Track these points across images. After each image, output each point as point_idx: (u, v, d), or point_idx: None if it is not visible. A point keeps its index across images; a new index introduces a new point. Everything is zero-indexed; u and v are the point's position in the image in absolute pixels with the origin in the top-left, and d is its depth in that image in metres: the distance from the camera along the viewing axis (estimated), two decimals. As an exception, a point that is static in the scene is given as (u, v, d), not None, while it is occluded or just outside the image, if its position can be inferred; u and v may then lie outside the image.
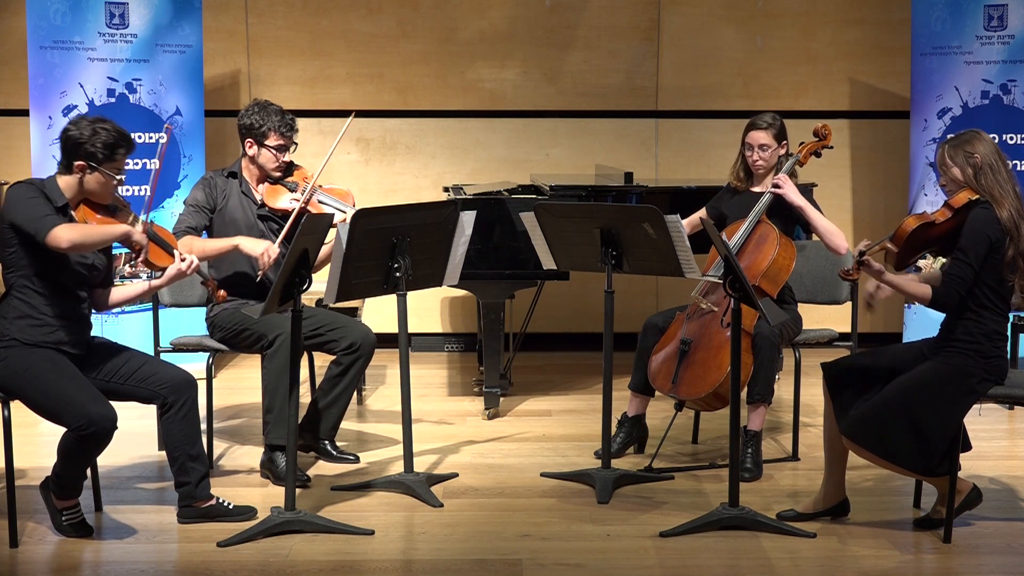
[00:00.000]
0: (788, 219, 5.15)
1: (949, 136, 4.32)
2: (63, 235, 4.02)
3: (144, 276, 4.35)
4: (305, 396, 5.43)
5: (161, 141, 4.36)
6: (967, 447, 4.39)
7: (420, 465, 5.00)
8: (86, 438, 4.06)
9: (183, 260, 4.30)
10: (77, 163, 4.18)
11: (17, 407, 4.18)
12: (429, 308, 7.64)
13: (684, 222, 5.18)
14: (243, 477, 4.98)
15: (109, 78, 6.53)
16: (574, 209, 5.22)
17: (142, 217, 4.32)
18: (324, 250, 4.83)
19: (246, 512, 4.42)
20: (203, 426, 4.60)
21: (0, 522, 4.27)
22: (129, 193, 6.51)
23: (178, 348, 5.22)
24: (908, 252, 4.22)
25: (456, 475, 4.98)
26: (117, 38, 6.53)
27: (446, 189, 6.96)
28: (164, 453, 4.49)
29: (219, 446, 5.37)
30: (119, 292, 4.42)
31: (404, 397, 4.75)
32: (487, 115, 7.62)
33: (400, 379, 4.76)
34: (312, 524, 4.31)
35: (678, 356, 4.98)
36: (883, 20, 7.59)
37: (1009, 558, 4.14)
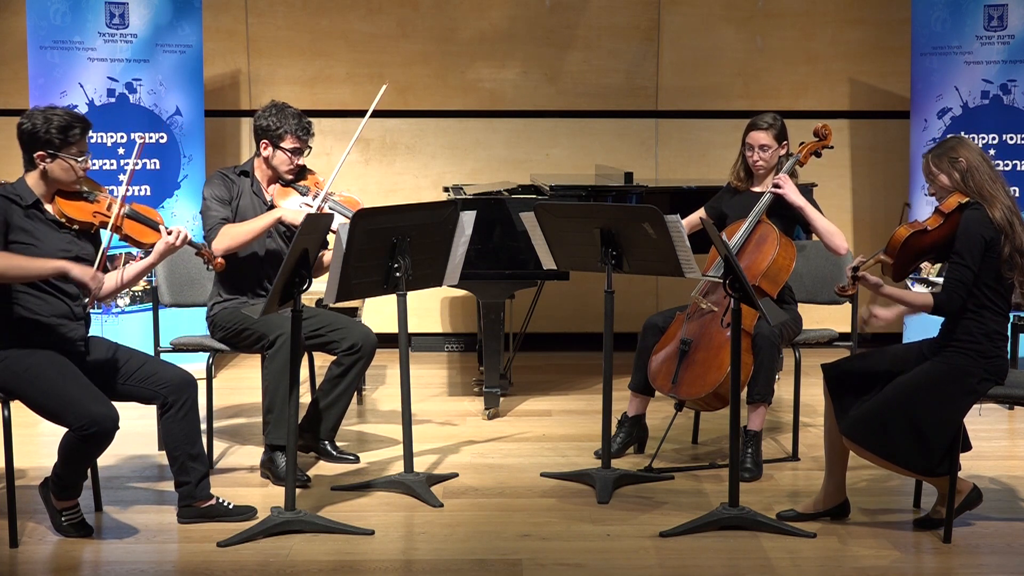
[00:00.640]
0: (788, 219, 5.15)
1: (932, 146, 4.32)
2: None
3: (121, 266, 4.30)
4: (305, 396, 5.44)
5: (136, 144, 4.34)
6: (967, 447, 4.39)
7: (420, 465, 5.00)
8: (88, 438, 4.05)
9: (170, 233, 4.28)
10: (37, 154, 4.16)
11: (17, 407, 4.18)
12: (429, 308, 7.64)
13: (683, 222, 5.18)
14: (243, 477, 4.98)
15: (109, 78, 6.53)
16: (574, 209, 5.22)
17: (119, 199, 4.27)
18: (324, 258, 4.86)
19: (246, 512, 4.42)
20: (203, 426, 4.60)
21: (0, 522, 4.27)
22: (129, 193, 6.50)
23: (178, 348, 5.22)
24: (904, 262, 4.22)
25: (456, 475, 4.98)
26: (117, 38, 6.53)
27: (446, 189, 6.96)
28: (164, 453, 4.49)
29: (219, 446, 5.37)
30: (110, 279, 4.33)
31: (404, 397, 4.75)
32: (487, 115, 7.62)
33: (400, 379, 4.76)
34: (312, 524, 4.31)
35: (678, 356, 4.98)
36: (883, 20, 7.59)
37: (1009, 558, 4.14)
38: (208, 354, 5.14)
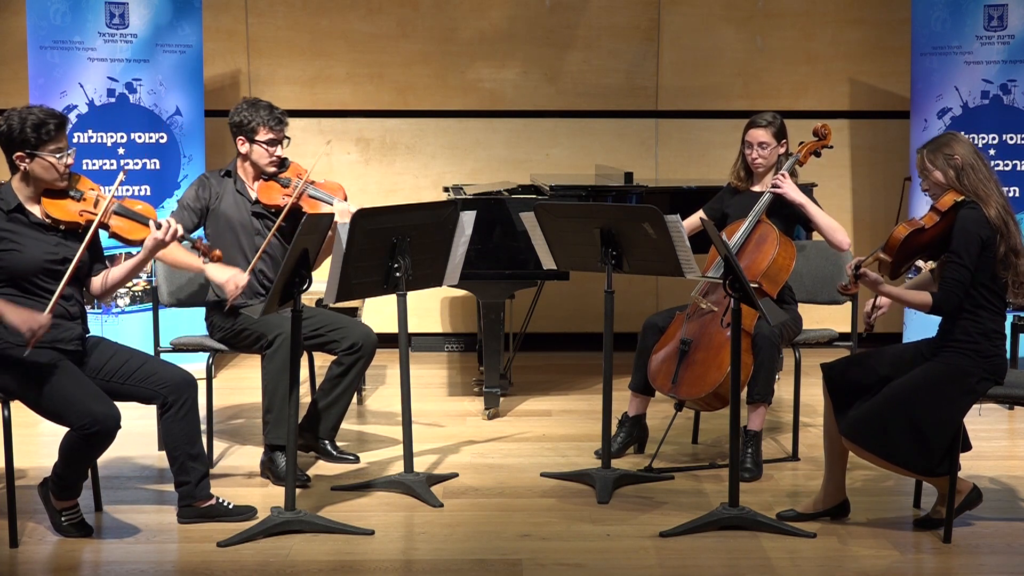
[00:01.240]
0: (788, 219, 5.15)
1: (926, 143, 4.32)
2: None
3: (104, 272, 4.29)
4: (305, 396, 5.44)
5: (119, 176, 4.32)
6: (967, 447, 4.39)
7: (420, 465, 5.00)
8: (90, 437, 4.05)
9: (159, 228, 4.25)
10: (15, 155, 4.14)
11: (17, 407, 4.18)
12: (429, 308, 7.64)
13: (683, 223, 5.18)
14: (243, 477, 4.98)
15: (109, 78, 6.53)
16: (574, 209, 5.22)
17: (108, 196, 4.25)
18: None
19: (246, 512, 4.42)
20: (203, 426, 4.60)
21: (0, 522, 4.27)
22: (129, 193, 6.52)
23: (178, 348, 5.22)
24: (901, 260, 4.23)
25: (456, 475, 4.98)
26: (117, 38, 6.52)
27: (446, 189, 6.96)
28: (164, 453, 4.49)
29: (219, 446, 5.36)
30: (104, 280, 4.32)
31: (404, 397, 4.75)
32: (487, 115, 7.62)
33: (400, 379, 4.76)
34: (312, 524, 4.31)
35: (678, 356, 4.98)
36: (883, 20, 7.59)
37: (1009, 558, 4.14)
38: (208, 354, 5.14)
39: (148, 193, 6.58)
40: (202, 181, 5.09)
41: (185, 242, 4.48)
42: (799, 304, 5.30)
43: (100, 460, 4.42)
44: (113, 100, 6.55)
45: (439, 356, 7.55)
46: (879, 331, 7.53)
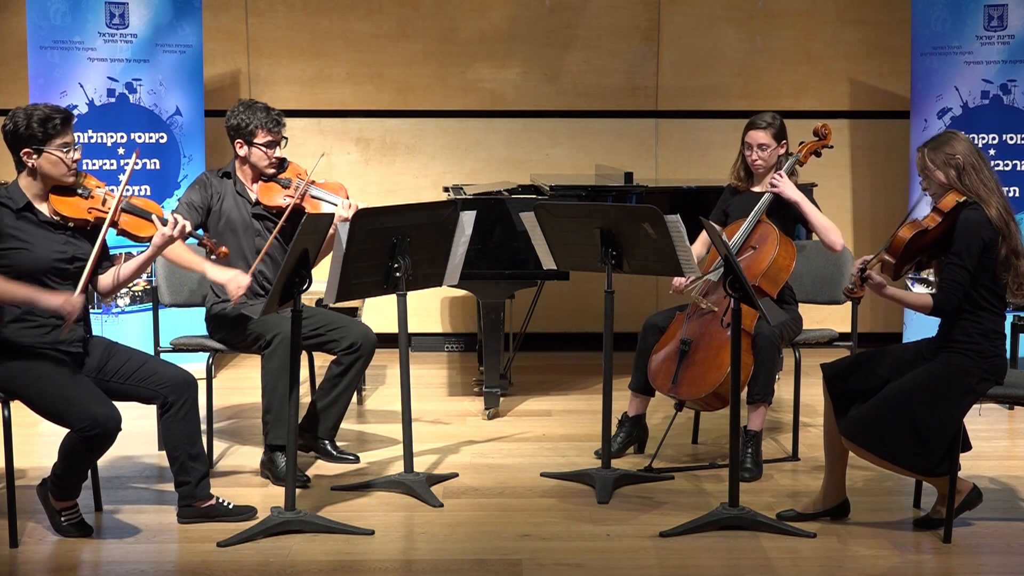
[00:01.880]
0: (788, 219, 5.15)
1: (926, 142, 4.32)
2: None
3: (116, 265, 4.29)
4: (305, 396, 5.44)
5: (136, 160, 4.31)
6: (967, 447, 4.39)
7: (420, 465, 5.00)
8: (90, 439, 4.05)
9: (165, 224, 4.25)
10: (23, 152, 4.15)
11: (17, 407, 4.18)
12: (429, 308, 7.64)
13: (697, 243, 5.19)
14: (243, 477, 4.98)
15: (109, 78, 6.53)
16: (574, 209, 5.22)
17: (116, 193, 4.25)
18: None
19: (246, 512, 4.42)
20: (203, 426, 4.60)
21: (0, 522, 4.27)
22: (129, 192, 6.50)
23: (178, 348, 5.22)
24: (904, 261, 4.23)
25: (456, 475, 4.98)
26: (117, 38, 6.53)
27: (446, 189, 6.96)
28: (164, 453, 4.49)
29: (219, 446, 5.37)
30: (111, 278, 4.32)
31: (404, 397, 4.75)
32: (487, 115, 7.62)
33: (400, 379, 4.76)
34: (312, 524, 4.31)
35: (678, 356, 4.98)
36: (883, 20, 7.59)
37: (1009, 558, 4.14)
38: (208, 354, 5.14)
39: (148, 193, 6.58)
40: (203, 181, 5.09)
41: (192, 239, 4.47)
42: (799, 304, 5.30)
43: (100, 460, 4.42)
44: (113, 100, 6.55)
45: (439, 356, 7.55)
46: (879, 331, 7.58)
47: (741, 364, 4.45)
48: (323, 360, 5.28)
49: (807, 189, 5.49)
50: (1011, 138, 6.67)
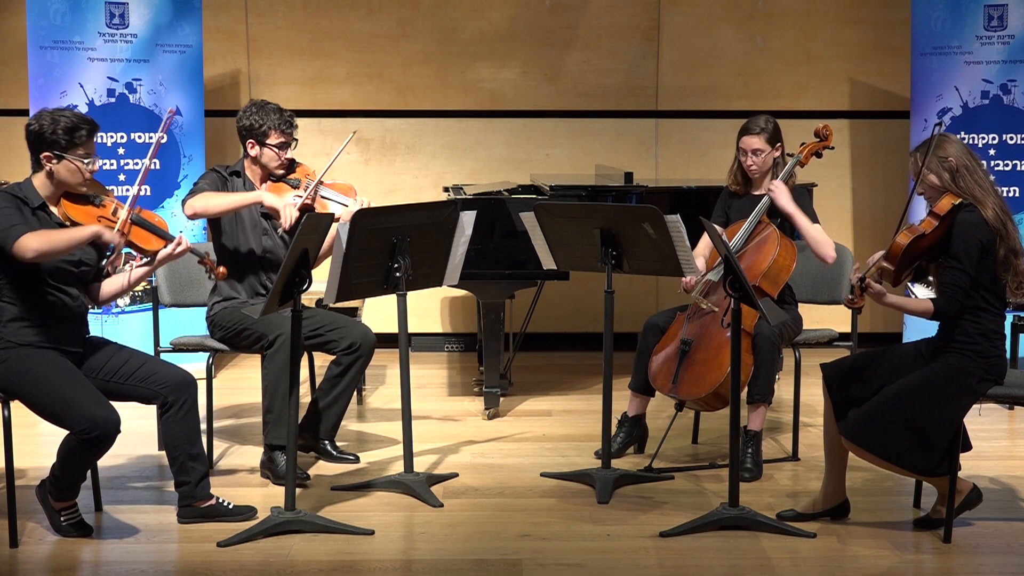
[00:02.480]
0: (788, 221, 5.14)
1: (918, 145, 4.31)
2: (28, 244, 3.99)
3: (129, 266, 4.30)
4: (305, 396, 5.43)
5: (165, 118, 4.38)
6: (967, 447, 4.39)
7: (420, 465, 5.00)
8: (89, 441, 4.05)
9: (172, 242, 4.28)
10: (43, 155, 4.16)
11: (17, 407, 4.18)
12: (429, 308, 7.64)
13: (700, 246, 5.18)
14: (243, 477, 4.98)
15: (109, 78, 6.53)
16: (574, 209, 5.22)
17: (126, 205, 4.27)
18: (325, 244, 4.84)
19: (246, 512, 4.42)
20: (203, 426, 4.60)
21: (0, 522, 4.27)
22: (129, 193, 6.51)
23: (178, 348, 5.22)
24: (903, 267, 4.22)
25: (456, 475, 4.98)
26: (117, 38, 6.53)
27: (446, 189, 6.96)
28: (164, 453, 4.49)
29: (219, 446, 5.37)
30: (113, 283, 4.35)
31: (404, 397, 4.75)
32: (487, 115, 7.62)
33: (400, 379, 4.76)
34: (312, 524, 4.31)
35: (678, 356, 4.98)
36: (883, 20, 7.59)
37: (1009, 558, 4.14)
38: (208, 354, 5.14)
39: (148, 193, 6.58)
40: (218, 172, 5.09)
41: (194, 256, 4.49)
42: (799, 304, 5.30)
43: (100, 460, 4.41)
44: (113, 100, 6.55)
45: (439, 356, 7.55)
46: (879, 331, 7.58)
47: (741, 364, 4.45)
48: (323, 360, 5.28)
49: (807, 189, 5.49)
50: (1011, 138, 6.67)
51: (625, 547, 4.21)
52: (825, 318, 6.55)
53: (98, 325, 6.41)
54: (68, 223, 4.20)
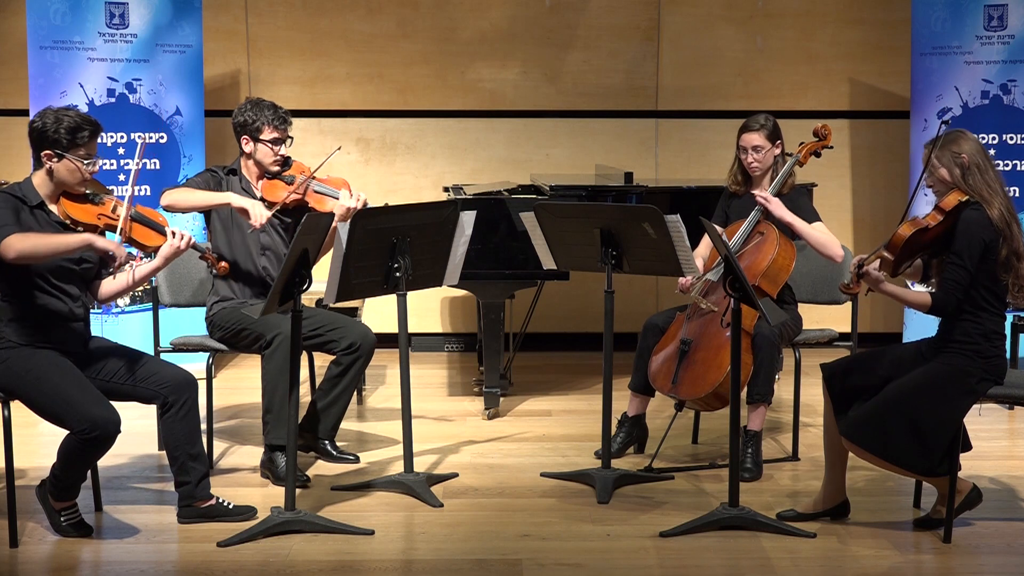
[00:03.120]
0: (787, 220, 5.14)
1: (933, 138, 4.31)
2: (12, 245, 3.97)
3: (130, 266, 4.30)
4: (305, 396, 5.44)
5: (139, 144, 4.39)
6: (967, 447, 4.39)
7: (420, 465, 5.00)
8: (89, 441, 4.05)
9: (174, 236, 4.29)
10: (44, 153, 4.16)
11: (17, 407, 4.18)
12: (429, 308, 7.64)
13: (702, 244, 5.18)
14: (243, 477, 4.98)
15: (109, 78, 6.53)
16: (574, 209, 5.21)
17: (125, 202, 4.27)
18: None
19: (246, 512, 4.42)
20: (203, 426, 4.60)
21: (0, 522, 4.27)
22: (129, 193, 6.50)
23: (178, 348, 5.22)
24: (903, 258, 4.22)
25: (456, 475, 4.98)
26: (117, 38, 6.53)
27: (446, 189, 6.96)
28: (164, 453, 4.49)
29: (219, 446, 5.37)
30: (116, 282, 4.34)
31: (404, 397, 4.75)
32: (487, 115, 7.62)
33: (400, 379, 4.76)
34: (312, 524, 4.31)
35: (678, 356, 4.98)
36: (883, 20, 7.59)
37: (1009, 558, 4.14)
38: (208, 354, 5.14)
39: (148, 193, 6.58)
40: (213, 172, 5.10)
41: (195, 251, 4.49)
42: (799, 304, 5.30)
43: (100, 460, 4.41)
44: (113, 100, 6.55)
45: (439, 356, 7.55)
46: (879, 331, 7.58)
47: (741, 364, 4.45)
48: (323, 360, 5.28)
49: (807, 189, 5.49)
50: (1011, 138, 6.67)
51: (625, 547, 4.21)
52: (825, 318, 6.55)
53: (98, 325, 6.41)
54: (68, 221, 4.20)
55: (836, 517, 4.43)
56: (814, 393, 5.42)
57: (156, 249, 4.31)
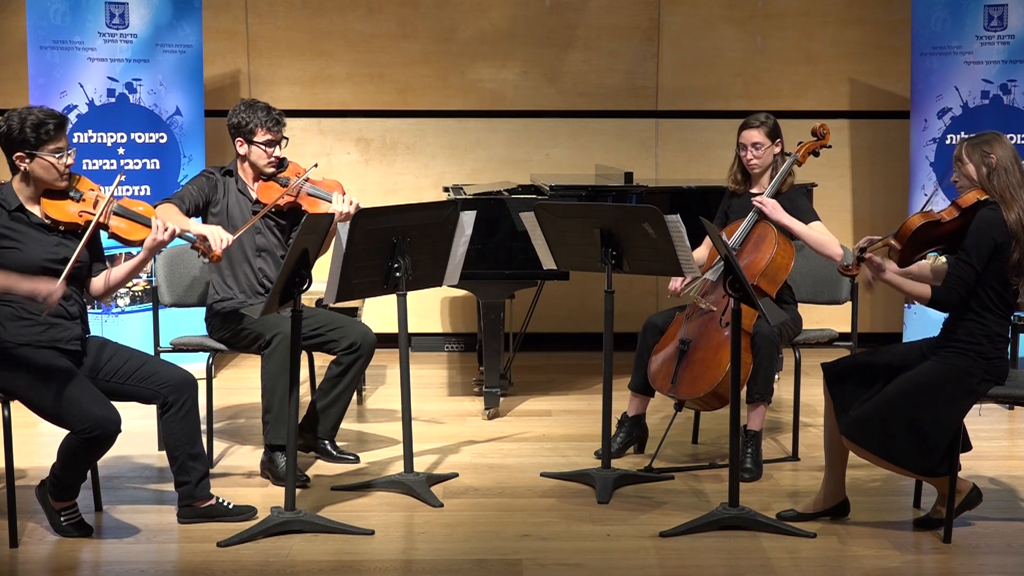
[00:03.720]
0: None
1: (971, 135, 4.30)
2: None
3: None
4: (305, 396, 5.44)
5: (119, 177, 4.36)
6: (967, 447, 4.39)
7: (420, 465, 5.00)
8: (90, 441, 4.05)
9: (158, 229, 4.24)
10: (16, 156, 4.15)
11: (17, 407, 4.18)
12: (429, 308, 7.64)
13: (702, 247, 5.17)
14: (243, 477, 4.98)
15: (109, 78, 6.53)
16: (574, 209, 5.21)
17: (106, 196, 4.25)
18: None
19: (246, 512, 4.42)
20: (203, 426, 4.60)
21: (0, 522, 4.27)
22: (128, 193, 6.51)
23: (178, 348, 5.22)
24: (912, 250, 4.18)
25: (456, 475, 4.98)
26: (117, 38, 6.53)
27: (446, 189, 6.96)
28: (164, 453, 4.49)
29: (219, 446, 5.37)
30: (106, 280, 4.32)
31: (404, 397, 4.75)
32: (487, 115, 7.62)
33: (400, 379, 4.76)
34: (312, 524, 4.31)
35: (677, 356, 4.98)
36: (883, 20, 7.59)
37: (1009, 558, 4.14)
38: (208, 354, 5.14)
39: (148, 193, 6.58)
40: (207, 176, 5.09)
41: (184, 241, 4.48)
42: (799, 304, 5.30)
43: (100, 460, 4.41)
44: (113, 100, 6.55)
45: (439, 356, 7.55)
46: (879, 331, 7.58)
47: (740, 364, 4.45)
48: (323, 360, 5.28)
49: (807, 189, 5.48)
50: (1011, 138, 6.65)
51: (625, 547, 4.21)
52: (825, 318, 6.55)
53: (98, 325, 6.41)
54: (48, 221, 4.19)
55: (836, 516, 4.43)
56: (814, 393, 5.42)
57: (141, 243, 4.28)
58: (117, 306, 6.61)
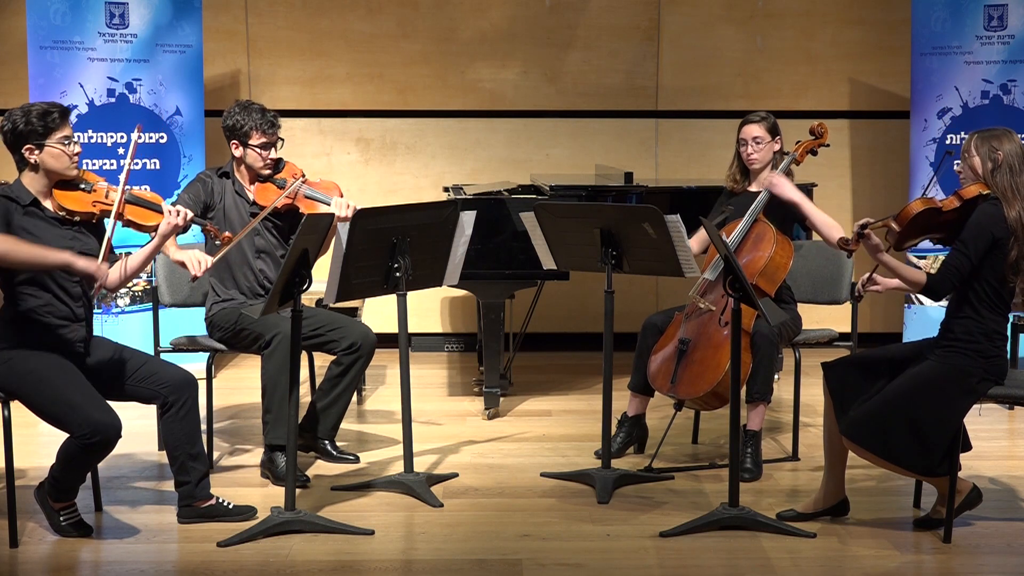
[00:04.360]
0: (786, 218, 5.14)
1: (982, 128, 4.31)
2: None
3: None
4: (305, 396, 5.44)
5: (134, 139, 4.34)
6: (967, 447, 4.39)
7: (420, 465, 5.00)
8: (89, 446, 4.04)
9: (171, 213, 4.24)
10: (25, 149, 4.15)
11: (17, 407, 4.18)
12: (429, 308, 7.64)
13: (694, 239, 5.18)
14: (243, 477, 4.98)
15: (109, 78, 6.53)
16: (574, 209, 5.22)
17: (119, 186, 4.25)
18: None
19: (246, 512, 4.42)
20: (203, 426, 4.60)
21: (0, 522, 4.27)
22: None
23: (178, 348, 5.22)
24: (909, 234, 4.20)
25: (456, 475, 4.98)
26: (117, 38, 6.53)
27: (446, 189, 6.96)
28: (164, 453, 4.49)
29: (219, 446, 5.37)
30: (116, 271, 4.27)
31: (404, 397, 4.75)
32: (487, 115, 7.62)
33: (400, 379, 4.76)
34: (312, 524, 4.31)
35: (676, 356, 4.98)
36: (883, 20, 7.59)
37: (1009, 558, 4.14)
38: (208, 354, 5.14)
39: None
40: (203, 180, 5.09)
41: (196, 226, 4.46)
42: (798, 304, 5.30)
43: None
44: (113, 100, 6.55)
45: (439, 356, 7.55)
46: (879, 331, 7.58)
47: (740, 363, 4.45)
48: (323, 360, 5.28)
49: (807, 189, 5.48)
50: (1011, 138, 6.66)
51: (625, 547, 4.21)
52: (825, 318, 6.55)
53: (98, 325, 6.40)
54: (63, 213, 4.19)
55: (836, 516, 4.43)
56: (814, 393, 5.42)
57: (155, 228, 4.27)
58: (117, 306, 6.61)
